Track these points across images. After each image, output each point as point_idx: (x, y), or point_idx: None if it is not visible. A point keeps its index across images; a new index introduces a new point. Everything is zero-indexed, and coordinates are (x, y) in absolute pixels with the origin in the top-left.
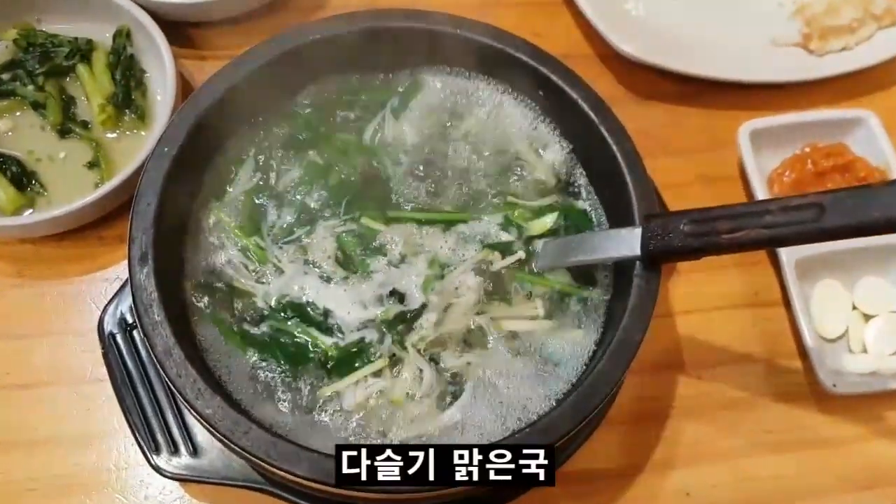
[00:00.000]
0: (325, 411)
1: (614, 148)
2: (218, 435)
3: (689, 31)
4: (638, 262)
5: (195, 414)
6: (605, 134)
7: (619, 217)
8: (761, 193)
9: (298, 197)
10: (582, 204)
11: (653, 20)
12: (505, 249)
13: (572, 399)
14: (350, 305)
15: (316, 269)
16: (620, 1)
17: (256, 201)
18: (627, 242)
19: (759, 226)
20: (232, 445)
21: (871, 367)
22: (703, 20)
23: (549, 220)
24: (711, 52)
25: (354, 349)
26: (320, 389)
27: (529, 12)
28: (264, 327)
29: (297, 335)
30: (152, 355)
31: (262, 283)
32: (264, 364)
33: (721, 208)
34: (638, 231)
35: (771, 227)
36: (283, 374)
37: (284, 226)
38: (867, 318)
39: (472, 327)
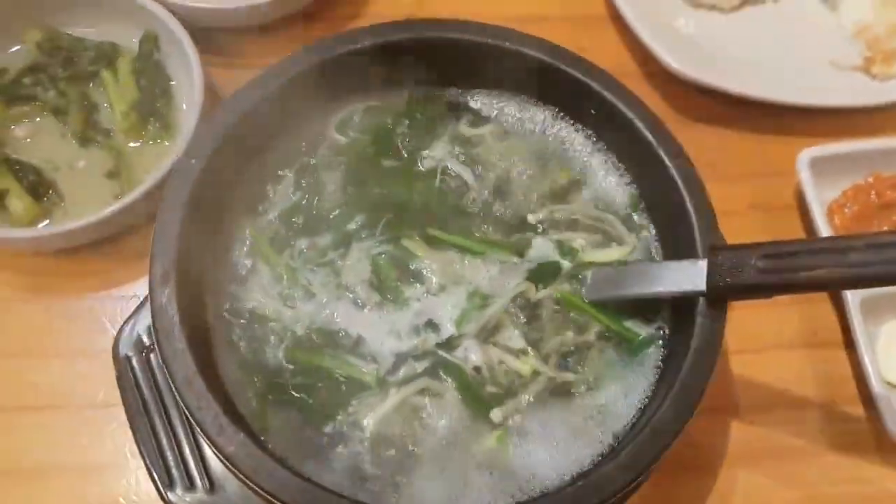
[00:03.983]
0: (359, 450)
1: (673, 171)
2: (240, 476)
3: (743, 50)
4: (701, 299)
5: (216, 451)
6: (664, 156)
7: (675, 247)
8: (822, 225)
9: (337, 218)
10: (640, 233)
11: (704, 38)
12: (551, 278)
13: (631, 449)
14: (384, 335)
15: (349, 294)
16: (670, 17)
17: (291, 220)
18: (690, 276)
19: (842, 264)
20: (255, 487)
21: None
22: (758, 40)
23: (614, 253)
24: (765, 74)
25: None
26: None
27: (573, 27)
28: (292, 362)
29: (330, 367)
30: (171, 384)
31: (291, 307)
32: (293, 396)
33: (799, 242)
34: (703, 264)
35: (856, 267)
36: (313, 407)
37: (319, 247)
38: None
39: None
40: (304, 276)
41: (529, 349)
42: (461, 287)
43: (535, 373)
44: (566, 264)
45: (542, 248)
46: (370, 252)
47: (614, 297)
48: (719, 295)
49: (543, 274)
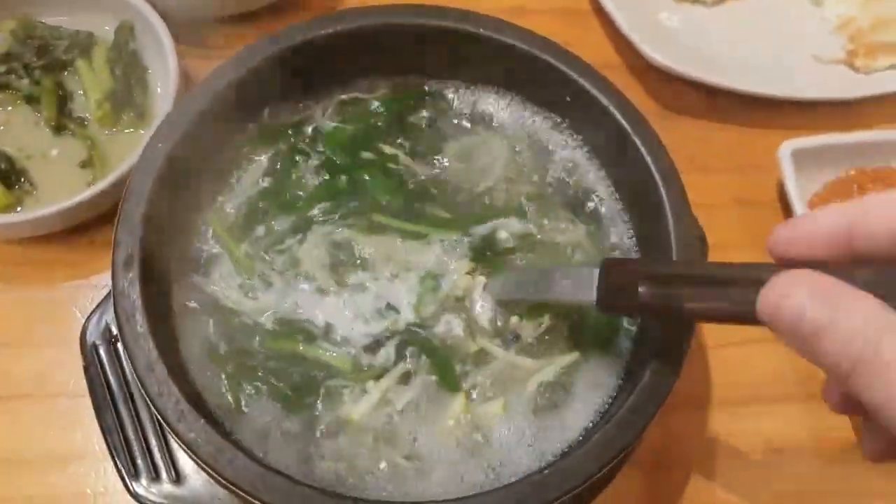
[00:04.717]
0: (327, 439)
1: (648, 160)
2: (200, 462)
3: (726, 44)
4: None
5: (175, 437)
6: (641, 147)
7: (650, 238)
8: None
9: (301, 207)
10: (604, 222)
11: (687, 32)
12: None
13: (599, 438)
14: (352, 320)
15: (309, 282)
16: (653, 11)
17: (256, 206)
18: (584, 286)
19: (722, 299)
20: (215, 475)
21: None
22: (741, 33)
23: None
24: (748, 67)
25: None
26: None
27: (557, 20)
28: (260, 353)
29: (303, 353)
30: (133, 370)
31: (252, 298)
32: (264, 384)
33: (683, 267)
34: (596, 273)
35: (736, 304)
36: (282, 396)
37: (276, 232)
38: None
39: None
40: (264, 266)
41: (487, 330)
42: (412, 273)
43: (483, 351)
44: (503, 235)
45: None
46: (328, 237)
47: (516, 299)
48: (609, 309)
49: (484, 248)
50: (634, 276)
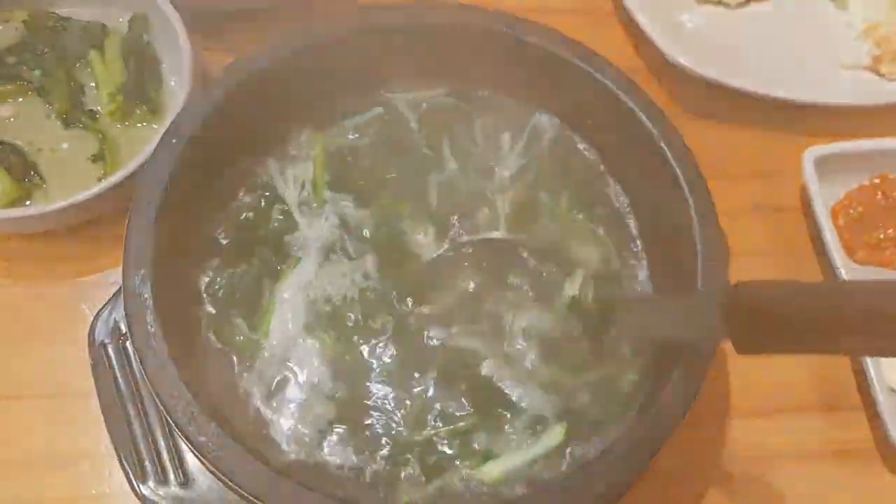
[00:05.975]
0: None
1: (675, 166)
2: (211, 467)
3: (748, 47)
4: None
5: (186, 441)
6: (665, 150)
7: (674, 246)
8: (825, 226)
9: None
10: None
11: (709, 34)
12: None
13: (622, 447)
14: None
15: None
16: (675, 12)
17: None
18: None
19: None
20: (226, 480)
21: None
22: (763, 36)
23: None
24: (770, 71)
25: None
26: None
27: (577, 21)
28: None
29: None
30: (143, 371)
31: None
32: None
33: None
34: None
35: None
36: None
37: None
38: None
39: None
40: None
41: None
42: None
43: None
44: None
45: None
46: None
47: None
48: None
49: None
50: (780, 319)
